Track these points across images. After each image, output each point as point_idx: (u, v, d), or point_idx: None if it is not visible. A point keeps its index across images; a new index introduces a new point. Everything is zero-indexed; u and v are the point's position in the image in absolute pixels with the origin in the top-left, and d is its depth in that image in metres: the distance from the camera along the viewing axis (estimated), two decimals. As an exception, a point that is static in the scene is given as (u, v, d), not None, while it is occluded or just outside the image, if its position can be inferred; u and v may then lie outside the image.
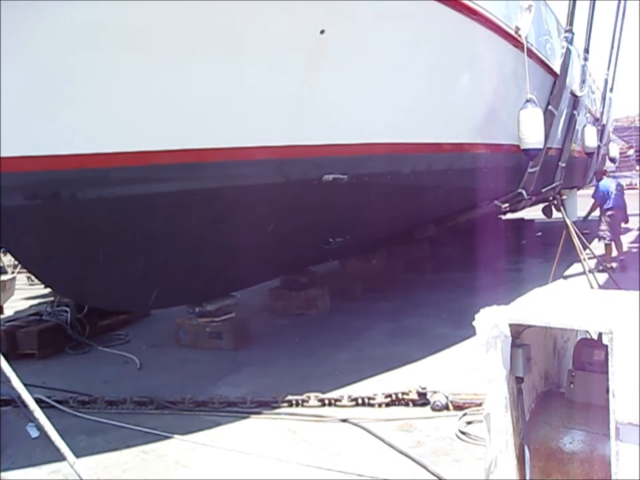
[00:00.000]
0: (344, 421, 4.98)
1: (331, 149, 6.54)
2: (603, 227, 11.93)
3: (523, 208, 12.82)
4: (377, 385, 5.62)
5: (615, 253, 11.95)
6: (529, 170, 9.71)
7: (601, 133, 18.30)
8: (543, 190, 11.45)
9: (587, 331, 2.94)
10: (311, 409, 5.27)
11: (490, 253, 11.68)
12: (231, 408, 5.34)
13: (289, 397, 5.35)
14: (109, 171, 5.33)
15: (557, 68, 10.48)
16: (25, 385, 3.54)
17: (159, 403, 5.45)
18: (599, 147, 17.48)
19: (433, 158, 8.11)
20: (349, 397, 5.31)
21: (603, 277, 9.62)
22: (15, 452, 4.68)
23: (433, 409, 5.04)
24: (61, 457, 3.51)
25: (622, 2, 16.68)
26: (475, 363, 3.06)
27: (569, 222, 9.51)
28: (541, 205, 14.03)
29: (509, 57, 8.48)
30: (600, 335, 2.80)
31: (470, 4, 7.14)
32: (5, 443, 4.73)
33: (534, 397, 3.04)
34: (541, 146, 8.43)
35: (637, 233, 16.17)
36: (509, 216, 15.67)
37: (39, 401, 4.19)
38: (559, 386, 3.20)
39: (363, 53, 6.24)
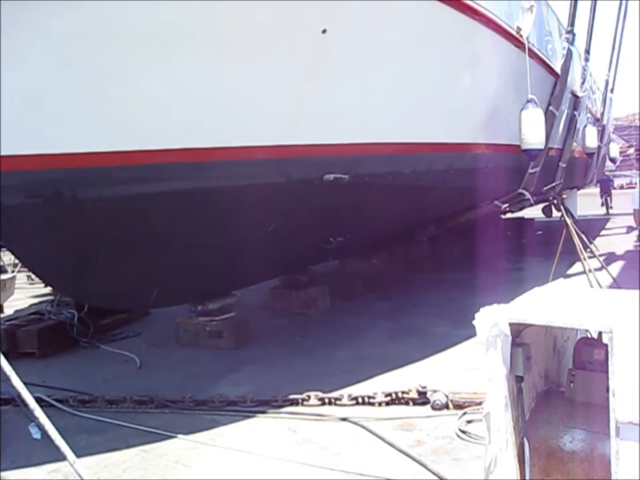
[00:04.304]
0: (344, 419, 4.97)
1: (331, 149, 6.54)
2: None
3: (524, 208, 12.82)
4: (377, 384, 5.62)
5: None
6: (530, 170, 9.71)
7: (602, 133, 18.32)
8: (544, 190, 11.46)
9: (587, 330, 2.94)
10: (311, 407, 5.26)
11: (490, 252, 11.69)
12: (231, 407, 5.34)
13: (289, 396, 5.35)
14: (110, 170, 5.33)
15: (558, 68, 10.49)
16: (24, 383, 3.53)
17: (159, 401, 5.45)
18: (599, 147, 17.49)
19: (433, 158, 8.10)
20: (349, 395, 5.32)
21: (603, 276, 9.60)
22: (15, 451, 4.68)
23: (433, 408, 5.03)
24: (60, 456, 3.50)
25: (623, 3, 16.71)
26: (474, 362, 3.06)
27: (569, 221, 9.50)
28: (541, 205, 14.03)
29: (511, 58, 8.49)
30: (600, 333, 2.79)
31: (472, 4, 7.14)
32: (4, 442, 4.72)
33: (534, 396, 3.04)
34: (541, 146, 8.44)
35: (639, 232, 16.19)
36: (509, 215, 15.68)
37: (38, 400, 4.20)
38: (559, 385, 3.19)
39: (365, 53, 6.23)
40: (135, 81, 5.12)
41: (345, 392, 5.40)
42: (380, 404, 5.21)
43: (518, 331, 2.82)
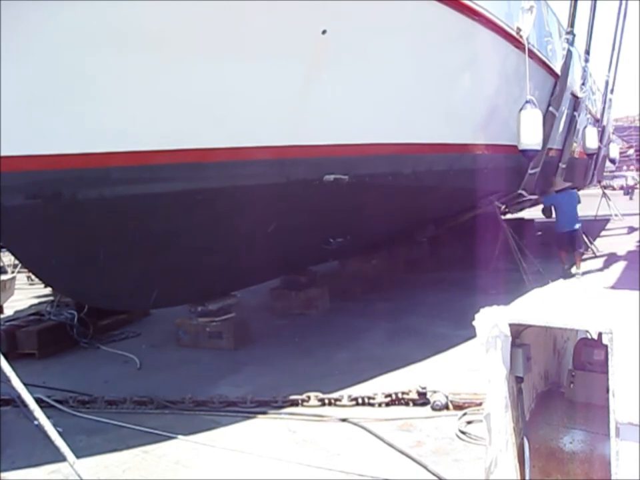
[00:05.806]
0: (344, 420, 4.97)
1: (332, 149, 6.54)
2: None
3: (523, 209, 12.82)
4: (377, 385, 5.62)
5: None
6: (530, 171, 9.72)
7: (601, 134, 18.32)
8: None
9: (587, 331, 2.94)
10: (311, 408, 5.26)
11: (490, 252, 11.67)
12: (231, 408, 5.34)
13: (289, 397, 5.35)
14: (109, 171, 5.34)
15: (558, 69, 10.50)
16: (24, 384, 3.53)
17: (159, 402, 5.45)
18: (599, 147, 17.50)
19: (433, 158, 8.11)
20: (349, 396, 5.31)
21: (603, 277, 9.61)
22: (15, 452, 4.67)
23: (433, 409, 5.03)
24: (60, 457, 3.50)
25: (623, 3, 16.72)
26: (474, 363, 3.06)
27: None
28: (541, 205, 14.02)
29: (510, 58, 8.50)
30: (600, 334, 2.80)
31: (471, 5, 7.15)
32: (4, 442, 4.72)
33: (534, 397, 3.04)
34: (539, 147, 8.45)
35: (638, 232, 16.21)
36: (509, 216, 15.67)
37: (38, 401, 4.19)
38: (558, 386, 3.19)
39: (365, 53, 6.24)
40: (135, 81, 5.12)
41: (345, 393, 5.40)
42: (380, 405, 5.20)
43: (518, 332, 2.82)
